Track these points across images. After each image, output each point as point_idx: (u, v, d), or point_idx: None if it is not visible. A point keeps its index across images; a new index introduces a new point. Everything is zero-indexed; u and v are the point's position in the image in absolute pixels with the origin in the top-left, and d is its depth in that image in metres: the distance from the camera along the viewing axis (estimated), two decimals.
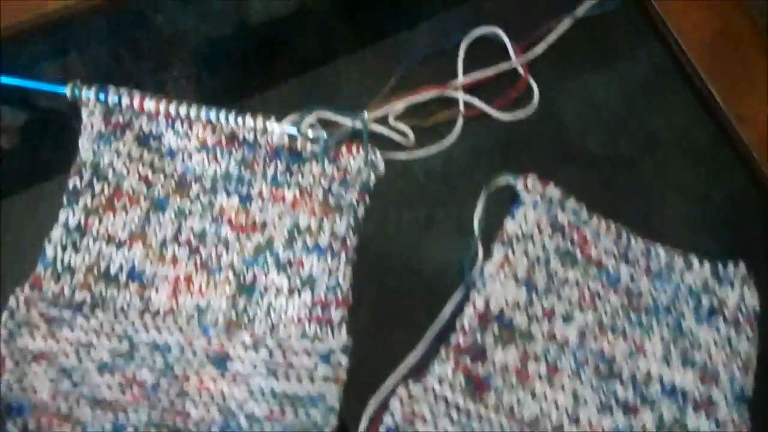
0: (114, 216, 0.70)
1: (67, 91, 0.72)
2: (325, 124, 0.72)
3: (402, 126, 0.74)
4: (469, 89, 0.76)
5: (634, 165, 0.74)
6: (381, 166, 0.72)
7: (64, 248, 0.68)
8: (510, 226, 0.70)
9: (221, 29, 0.78)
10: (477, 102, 0.75)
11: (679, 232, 0.72)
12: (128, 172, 0.71)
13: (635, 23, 0.81)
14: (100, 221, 0.69)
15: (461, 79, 0.76)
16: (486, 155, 0.75)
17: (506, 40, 0.77)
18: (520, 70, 0.77)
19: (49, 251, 0.68)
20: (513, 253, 0.69)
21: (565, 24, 0.78)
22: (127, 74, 0.74)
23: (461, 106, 0.75)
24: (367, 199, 0.72)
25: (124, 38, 0.76)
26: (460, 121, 0.75)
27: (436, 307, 0.67)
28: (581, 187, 0.71)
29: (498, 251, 0.69)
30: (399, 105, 0.75)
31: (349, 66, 0.76)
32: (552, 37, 0.78)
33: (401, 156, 0.73)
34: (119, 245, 0.69)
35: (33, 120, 0.72)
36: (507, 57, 0.78)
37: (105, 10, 0.76)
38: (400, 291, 0.68)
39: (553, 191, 0.70)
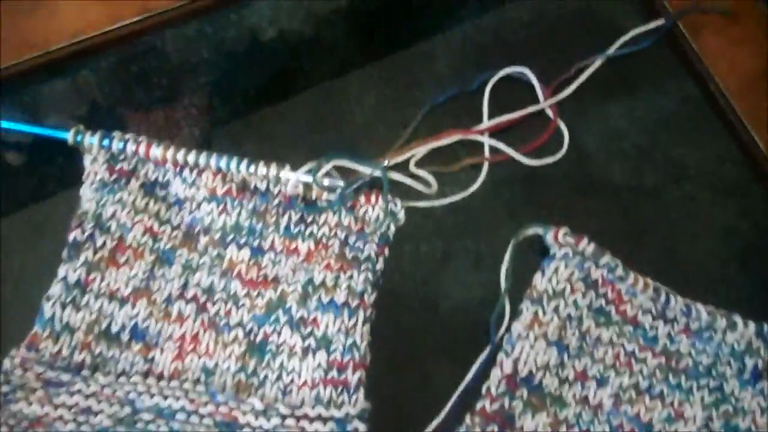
0: (117, 271, 0.65)
1: (69, 137, 0.68)
2: (342, 171, 0.68)
3: (423, 173, 0.69)
4: (495, 132, 0.71)
5: (659, 196, 0.71)
6: (401, 215, 0.68)
7: (63, 306, 0.64)
8: (540, 282, 0.65)
9: (235, 59, 0.74)
10: (503, 147, 0.71)
11: (707, 266, 0.69)
12: (132, 224, 0.67)
13: (665, 59, 0.77)
14: (102, 277, 0.65)
15: (486, 122, 0.72)
16: (506, 186, 0.71)
17: (534, 81, 0.73)
18: (549, 113, 0.73)
19: (47, 309, 0.63)
20: (543, 311, 0.64)
21: (596, 64, 0.74)
22: (137, 105, 0.72)
23: (486, 152, 0.71)
24: (387, 251, 0.67)
25: (135, 70, 0.73)
26: (485, 167, 0.70)
27: (454, 349, 0.64)
28: (604, 218, 0.68)
29: (527, 309, 0.65)
30: (420, 150, 0.70)
31: (367, 107, 0.72)
32: (582, 78, 0.73)
33: (423, 204, 0.69)
34: (122, 302, 0.65)
35: (42, 136, 0.69)
36: (534, 98, 0.73)
37: (115, 45, 0.73)
38: (416, 329, 0.65)
39: (587, 245, 0.65)
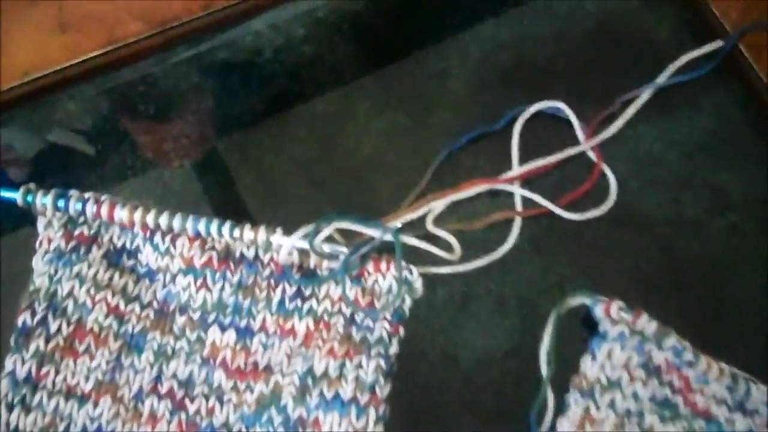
0: (75, 362, 0.55)
1: (17, 197, 0.56)
2: (345, 234, 0.58)
3: (444, 233, 0.58)
4: (527, 180, 0.61)
5: (701, 229, 0.62)
6: (418, 285, 0.56)
7: (10, 408, 0.53)
8: (590, 368, 0.54)
9: (227, 84, 0.66)
10: (539, 199, 0.59)
11: (758, 306, 0.59)
12: (94, 303, 0.56)
13: (715, 81, 0.66)
14: (57, 370, 0.55)
15: (517, 168, 0.60)
16: (543, 245, 0.60)
17: (573, 118, 0.61)
18: (592, 156, 0.61)
19: None
20: (596, 406, 0.53)
21: (644, 96, 0.62)
22: (118, 138, 0.64)
23: (518, 204, 0.59)
24: (402, 331, 0.56)
25: (118, 100, 0.66)
26: (517, 223, 0.59)
27: (477, 406, 0.56)
28: (638, 254, 0.60)
29: (576, 403, 0.53)
30: (438, 205, 0.59)
31: (375, 135, 0.63)
32: (630, 113, 0.62)
33: (444, 271, 0.57)
34: (82, 400, 0.54)
35: (44, 151, 0.64)
36: (572, 138, 0.62)
37: (98, 74, 0.66)
38: (434, 385, 0.57)
39: (647, 323, 0.53)
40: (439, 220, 0.59)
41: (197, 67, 0.66)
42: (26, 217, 0.58)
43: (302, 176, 0.62)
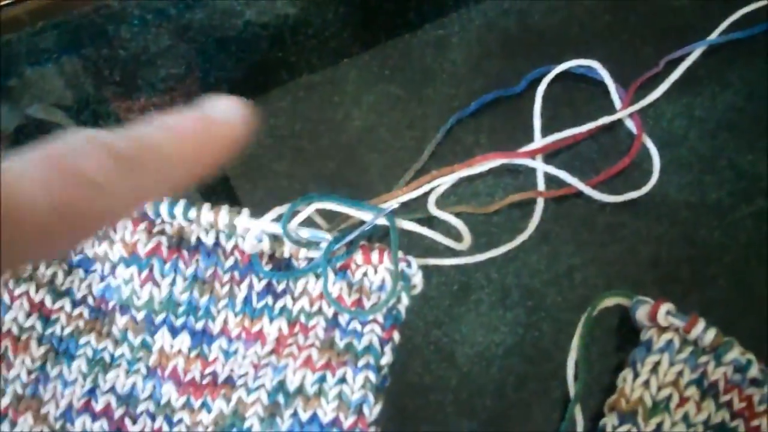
0: None
1: None
2: (326, 216, 0.47)
3: (449, 217, 0.47)
4: (551, 155, 0.50)
5: (725, 215, 0.54)
6: (418, 280, 0.46)
7: None
8: (631, 385, 0.43)
9: (203, 48, 0.59)
10: (566, 176, 0.48)
11: None
12: (12, 298, 0.45)
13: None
14: None
15: (540, 140, 0.49)
16: (568, 230, 0.51)
17: (608, 80, 0.50)
18: (630, 126, 0.50)
19: None
20: (640, 431, 0.42)
21: (694, 55, 0.52)
22: (80, 101, 0.58)
23: (540, 183, 0.49)
24: (397, 337, 0.45)
25: (77, 56, 0.59)
26: (539, 205, 0.48)
27: (475, 408, 0.49)
28: (658, 243, 0.52)
29: (614, 429, 0.42)
30: (444, 181, 0.48)
31: (366, 107, 0.56)
32: (675, 76, 0.51)
33: (450, 262, 0.47)
34: None
35: (25, 126, 0.57)
36: (607, 105, 0.51)
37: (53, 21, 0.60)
38: (427, 384, 0.49)
39: (704, 332, 0.43)
40: (443, 202, 0.49)
41: (168, 28, 0.59)
42: None
43: (285, 152, 0.55)
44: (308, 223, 0.46)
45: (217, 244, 0.46)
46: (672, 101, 0.55)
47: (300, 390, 0.43)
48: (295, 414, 0.43)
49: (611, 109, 0.51)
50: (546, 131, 0.50)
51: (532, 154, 0.49)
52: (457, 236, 0.47)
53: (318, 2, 0.60)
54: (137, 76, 0.58)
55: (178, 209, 0.45)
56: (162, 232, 0.46)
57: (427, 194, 0.48)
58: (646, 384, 0.43)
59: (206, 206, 0.45)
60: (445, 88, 0.56)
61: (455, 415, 0.49)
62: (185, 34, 0.60)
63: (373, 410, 0.43)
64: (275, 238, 0.46)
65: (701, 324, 0.43)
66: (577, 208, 0.52)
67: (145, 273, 0.45)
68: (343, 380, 0.44)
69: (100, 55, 0.59)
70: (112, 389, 0.44)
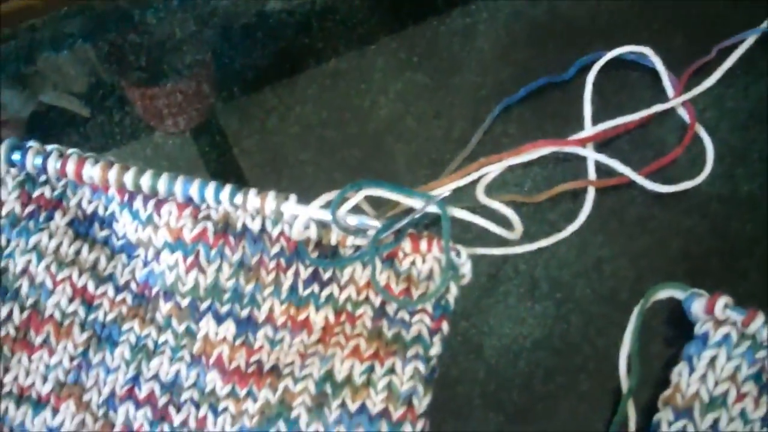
0: (30, 358, 0.44)
1: None
2: (372, 203, 0.46)
3: (499, 206, 0.46)
4: (603, 143, 0.49)
5: (757, 208, 0.53)
6: (467, 270, 0.45)
7: None
8: (686, 381, 0.43)
9: (228, 34, 0.60)
10: (618, 165, 0.47)
11: None
12: (55, 284, 0.45)
13: None
14: (7, 368, 0.44)
15: (590, 128, 0.48)
16: (621, 220, 0.51)
17: (660, 67, 0.49)
18: (683, 115, 0.49)
19: None
20: (695, 427, 0.41)
21: (748, 41, 0.50)
22: (104, 89, 0.58)
23: (591, 172, 0.48)
24: (446, 327, 0.44)
25: (101, 42, 0.59)
26: (591, 195, 0.47)
27: (502, 403, 0.48)
28: (688, 237, 0.51)
29: (669, 425, 0.42)
30: (493, 170, 0.47)
31: (393, 95, 0.56)
32: (729, 63, 0.50)
33: (500, 252, 0.46)
34: (38, 406, 0.43)
35: (40, 112, 0.57)
36: (658, 93, 0.51)
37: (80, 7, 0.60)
38: (454, 376, 0.48)
39: (763, 326, 0.42)
40: (492, 189, 0.48)
41: (195, 15, 0.60)
42: None
43: (310, 141, 0.55)
44: (355, 210, 0.45)
45: (263, 230, 0.45)
46: (704, 93, 0.54)
47: (348, 380, 0.43)
48: (343, 404, 0.42)
49: (658, 98, 0.50)
50: (596, 119, 0.49)
51: (582, 143, 0.48)
52: (506, 225, 0.46)
53: None
54: (162, 62, 0.58)
55: (224, 194, 0.44)
56: (207, 218, 0.45)
57: (474, 182, 0.48)
58: (703, 379, 0.42)
59: (253, 191, 0.44)
60: (473, 77, 0.56)
61: (482, 408, 0.48)
62: (210, 20, 0.60)
63: (422, 402, 0.42)
64: (322, 225, 0.45)
65: (760, 318, 0.42)
66: (607, 200, 0.51)
67: (190, 259, 0.44)
68: (392, 371, 0.43)
69: (126, 40, 0.59)
70: (156, 377, 0.44)
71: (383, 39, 0.59)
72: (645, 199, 0.51)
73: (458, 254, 0.44)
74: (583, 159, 0.49)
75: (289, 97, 0.56)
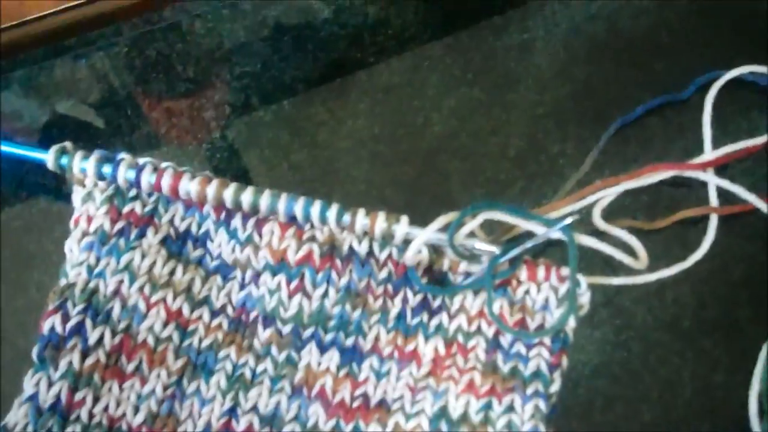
0: (121, 386, 0.41)
1: (48, 159, 0.42)
2: (488, 230, 0.43)
3: (621, 232, 0.43)
4: (723, 167, 0.47)
5: None
6: (585, 300, 0.42)
7: None
8: None
9: (278, 46, 0.58)
10: (741, 191, 0.44)
11: None
12: (148, 307, 0.42)
13: None
14: (97, 397, 0.40)
15: (710, 152, 0.45)
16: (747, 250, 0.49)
17: None
18: None
19: None
20: None
21: None
22: (150, 99, 0.56)
23: (713, 198, 0.45)
24: (565, 362, 0.41)
25: (150, 51, 0.57)
26: (713, 222, 0.44)
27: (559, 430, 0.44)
28: (749, 264, 0.48)
29: None
30: (608, 194, 0.44)
31: (447, 112, 0.54)
32: None
33: (619, 282, 0.43)
34: None
35: (56, 119, 0.55)
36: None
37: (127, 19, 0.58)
38: None
39: None
40: (608, 213, 0.45)
41: (243, 25, 0.58)
42: (57, 189, 0.48)
43: (362, 156, 0.53)
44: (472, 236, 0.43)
45: (370, 253, 0.42)
46: None
47: (464, 417, 0.40)
48: None
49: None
50: (717, 142, 0.47)
51: (703, 167, 0.45)
52: (630, 252, 0.43)
53: (398, 1, 0.59)
54: (211, 73, 0.56)
55: (331, 213, 0.41)
56: (312, 239, 0.42)
57: (590, 207, 0.45)
58: None
59: (362, 211, 0.41)
60: (530, 94, 0.54)
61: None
62: (260, 32, 0.58)
63: None
64: (434, 250, 0.42)
65: None
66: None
67: (295, 283, 0.41)
68: (511, 408, 0.40)
69: (174, 50, 0.57)
70: (254, 408, 0.40)
71: (437, 54, 0.57)
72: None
73: (578, 284, 0.42)
74: (704, 183, 0.46)
75: (341, 111, 0.55)
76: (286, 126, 0.54)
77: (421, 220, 0.43)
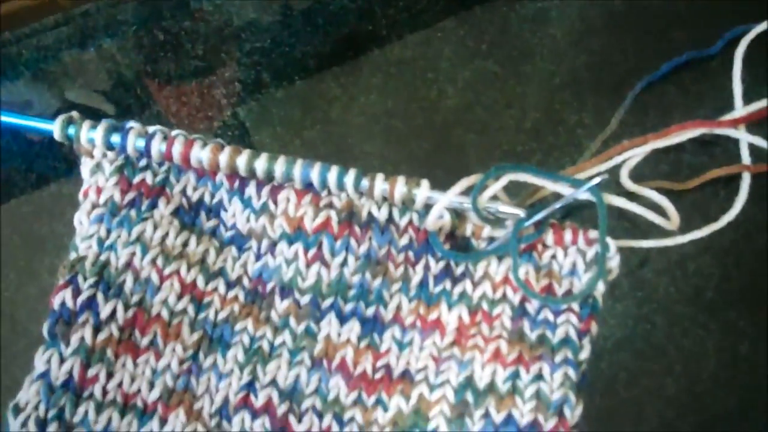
0: (135, 362, 0.40)
1: (55, 129, 0.41)
2: (513, 192, 0.42)
3: (651, 193, 0.41)
4: (755, 124, 0.45)
5: None
6: (615, 264, 0.40)
7: (43, 425, 0.37)
8: None
9: (289, 21, 0.57)
10: None
11: None
12: (162, 279, 0.41)
13: None
14: (110, 373, 0.39)
15: (741, 108, 0.43)
16: None
17: None
18: None
19: (14, 426, 0.37)
20: None
21: None
22: (161, 77, 0.55)
23: (745, 156, 0.43)
24: (594, 328, 0.40)
25: (158, 31, 0.56)
26: (746, 181, 0.42)
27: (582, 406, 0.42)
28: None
29: None
30: (635, 154, 0.42)
31: (462, 84, 0.53)
32: None
33: (649, 244, 0.41)
34: (144, 415, 0.39)
35: (67, 108, 0.51)
36: None
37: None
38: None
39: None
40: (637, 173, 0.43)
41: (252, 1, 0.57)
42: (66, 159, 0.48)
43: (375, 132, 0.52)
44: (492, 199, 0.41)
45: (390, 219, 0.41)
46: None
47: (491, 387, 0.38)
48: (487, 415, 0.38)
49: None
50: (748, 98, 0.45)
51: (734, 124, 0.43)
52: (661, 213, 0.41)
53: None
54: (220, 51, 0.55)
55: (349, 178, 0.40)
56: (330, 206, 0.40)
57: (617, 168, 0.43)
58: None
59: (380, 176, 0.40)
60: (545, 65, 0.53)
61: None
62: (270, 7, 0.57)
63: (574, 412, 0.38)
64: (456, 215, 0.40)
65: None
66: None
67: (312, 251, 0.40)
68: (539, 377, 0.38)
69: (182, 28, 0.56)
70: (273, 382, 0.39)
71: (450, 26, 0.56)
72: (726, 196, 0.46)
73: (607, 247, 0.40)
74: (736, 141, 0.44)
75: (353, 87, 0.54)
76: (298, 103, 0.53)
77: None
